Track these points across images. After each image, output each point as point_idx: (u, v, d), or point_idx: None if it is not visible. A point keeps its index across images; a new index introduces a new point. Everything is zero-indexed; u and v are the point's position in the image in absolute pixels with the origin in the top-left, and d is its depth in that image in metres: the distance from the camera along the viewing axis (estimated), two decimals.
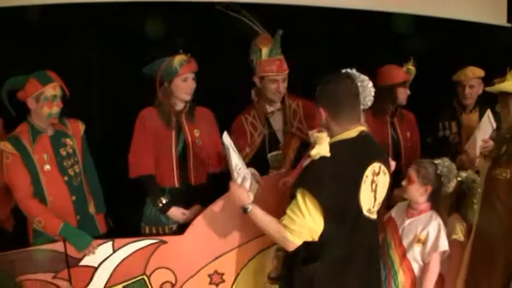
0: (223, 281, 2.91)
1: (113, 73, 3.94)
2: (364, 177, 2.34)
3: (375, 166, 2.39)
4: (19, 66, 3.04)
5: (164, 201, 3.13)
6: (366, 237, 2.43)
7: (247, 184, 2.59)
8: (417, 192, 2.92)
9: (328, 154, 2.30)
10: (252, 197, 2.50)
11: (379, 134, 3.66)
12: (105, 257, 2.83)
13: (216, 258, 2.89)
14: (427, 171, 2.90)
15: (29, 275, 2.77)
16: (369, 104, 2.59)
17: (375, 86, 2.49)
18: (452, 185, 2.95)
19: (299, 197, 2.30)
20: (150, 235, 3.14)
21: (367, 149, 2.41)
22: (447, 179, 2.92)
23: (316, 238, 2.33)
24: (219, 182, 3.06)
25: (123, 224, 3.28)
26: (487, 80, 3.84)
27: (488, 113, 3.58)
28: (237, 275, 2.92)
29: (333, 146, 2.32)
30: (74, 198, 3.01)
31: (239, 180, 2.57)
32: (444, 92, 4.14)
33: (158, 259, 2.86)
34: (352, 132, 2.38)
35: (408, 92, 3.74)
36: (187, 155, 3.18)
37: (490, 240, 2.80)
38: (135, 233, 3.16)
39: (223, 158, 3.02)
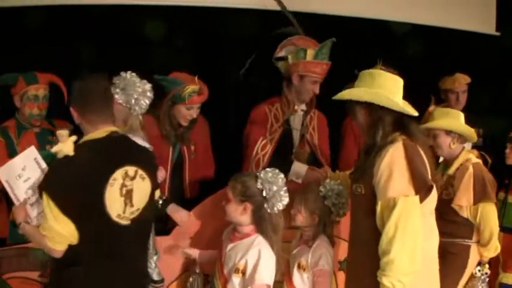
0: None
1: None
2: (111, 180, 2.20)
3: (128, 169, 2.25)
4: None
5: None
6: (120, 244, 2.26)
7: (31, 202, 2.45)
8: (236, 212, 2.51)
9: (71, 153, 2.19)
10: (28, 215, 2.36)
11: None
12: None
13: None
14: (244, 186, 2.52)
15: (15, 273, 2.74)
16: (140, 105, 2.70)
17: None
18: (279, 202, 2.48)
19: (44, 199, 2.17)
20: None
21: (117, 151, 2.29)
22: (271, 193, 2.48)
23: (74, 241, 2.18)
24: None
25: None
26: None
27: None
28: None
29: (78, 146, 2.22)
30: None
31: (21, 199, 2.40)
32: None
33: None
34: (101, 133, 2.27)
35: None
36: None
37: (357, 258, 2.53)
38: None
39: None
